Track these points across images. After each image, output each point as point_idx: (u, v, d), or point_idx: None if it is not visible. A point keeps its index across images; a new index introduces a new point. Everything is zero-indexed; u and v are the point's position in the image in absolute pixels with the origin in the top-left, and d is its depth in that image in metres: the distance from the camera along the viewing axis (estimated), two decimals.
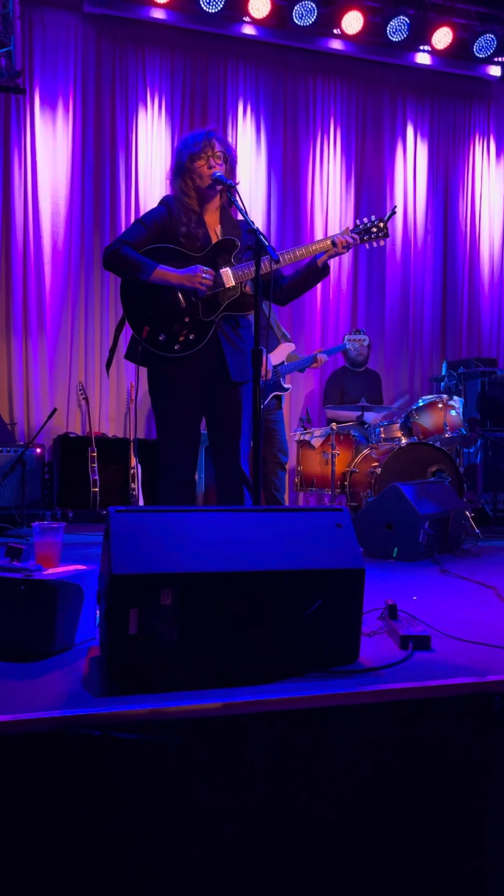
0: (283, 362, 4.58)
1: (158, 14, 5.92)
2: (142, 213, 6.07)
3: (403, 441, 4.58)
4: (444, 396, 4.81)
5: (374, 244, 2.90)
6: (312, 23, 6.09)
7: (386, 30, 6.22)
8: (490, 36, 6.42)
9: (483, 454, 5.79)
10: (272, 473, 4.47)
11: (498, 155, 7.24)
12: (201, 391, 2.83)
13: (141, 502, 5.13)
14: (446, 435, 4.66)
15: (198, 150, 2.77)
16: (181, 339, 2.74)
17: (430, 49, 6.47)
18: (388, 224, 2.91)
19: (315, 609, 1.61)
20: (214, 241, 2.82)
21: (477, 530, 4.06)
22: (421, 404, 4.81)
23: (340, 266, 6.68)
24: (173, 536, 1.60)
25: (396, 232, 6.87)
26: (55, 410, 5.05)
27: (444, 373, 6.26)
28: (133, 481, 5.22)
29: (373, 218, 2.90)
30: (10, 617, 1.70)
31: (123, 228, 6.06)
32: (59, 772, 1.28)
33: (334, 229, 6.48)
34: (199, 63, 6.29)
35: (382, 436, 4.92)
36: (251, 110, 6.46)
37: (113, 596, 1.51)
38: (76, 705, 1.40)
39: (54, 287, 5.93)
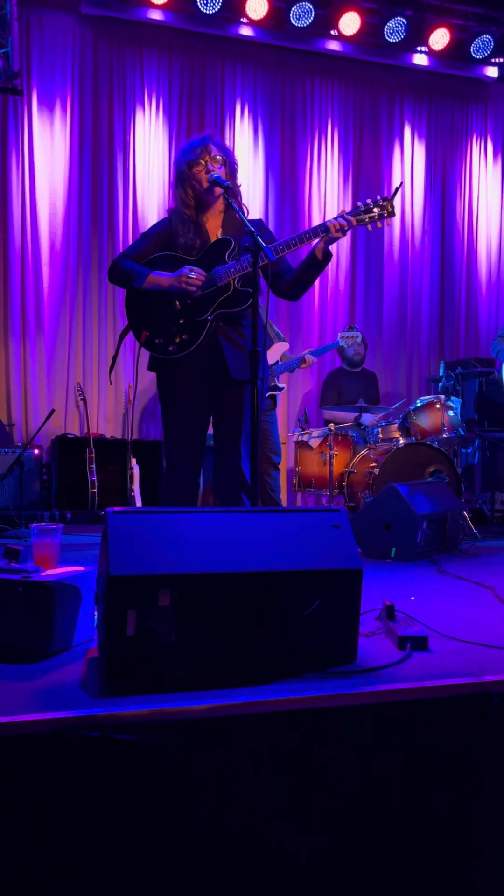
0: (277, 362, 4.58)
1: (156, 15, 5.93)
2: (139, 213, 6.15)
3: (401, 441, 4.59)
4: (442, 397, 4.81)
5: (381, 224, 2.76)
6: (310, 24, 6.10)
7: (383, 31, 6.23)
8: (487, 37, 6.44)
9: (481, 454, 5.80)
10: (265, 474, 4.47)
11: (495, 155, 7.25)
12: (206, 391, 2.85)
13: (139, 503, 5.13)
14: (444, 435, 4.66)
15: (195, 156, 2.79)
16: (176, 340, 2.76)
17: (427, 50, 6.47)
18: (388, 224, 2.82)
19: (313, 610, 1.61)
20: None
21: (475, 530, 4.06)
22: (419, 405, 4.81)
23: (338, 266, 6.69)
24: (171, 537, 1.60)
25: (394, 232, 6.87)
26: (53, 411, 5.05)
27: (441, 373, 6.25)
28: (131, 482, 5.22)
29: (377, 198, 2.76)
30: (7, 618, 1.70)
31: (121, 229, 6.10)
32: (57, 773, 1.28)
33: None
34: (196, 64, 6.30)
35: (380, 436, 4.92)
36: (248, 111, 6.46)
37: (111, 597, 1.50)
38: (74, 706, 1.39)
39: (52, 288, 5.93)
